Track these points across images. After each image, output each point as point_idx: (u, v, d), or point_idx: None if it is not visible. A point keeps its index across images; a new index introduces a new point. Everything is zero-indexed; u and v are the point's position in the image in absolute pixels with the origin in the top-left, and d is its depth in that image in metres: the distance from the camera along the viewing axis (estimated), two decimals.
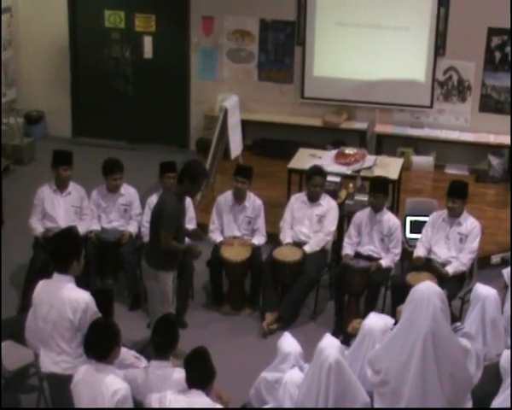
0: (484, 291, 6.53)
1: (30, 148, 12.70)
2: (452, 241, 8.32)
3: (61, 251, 5.96)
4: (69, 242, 6.02)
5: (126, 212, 8.89)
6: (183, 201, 7.36)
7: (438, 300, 5.25)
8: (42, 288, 6.03)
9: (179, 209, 7.26)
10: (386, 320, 6.04)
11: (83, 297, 5.86)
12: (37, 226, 8.60)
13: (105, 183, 8.86)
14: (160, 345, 5.85)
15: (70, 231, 6.55)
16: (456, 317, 5.79)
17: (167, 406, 5.47)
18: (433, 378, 5.22)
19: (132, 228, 8.84)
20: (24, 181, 11.47)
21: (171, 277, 7.36)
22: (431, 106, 12.39)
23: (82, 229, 8.61)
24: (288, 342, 6.38)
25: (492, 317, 6.41)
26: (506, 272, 7.03)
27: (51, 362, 5.92)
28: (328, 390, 5.45)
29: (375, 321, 6.01)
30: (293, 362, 6.18)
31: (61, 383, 5.77)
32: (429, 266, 8.22)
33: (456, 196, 8.27)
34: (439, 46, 12.14)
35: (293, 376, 5.86)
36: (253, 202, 8.81)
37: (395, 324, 5.67)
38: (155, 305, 7.36)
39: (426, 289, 5.32)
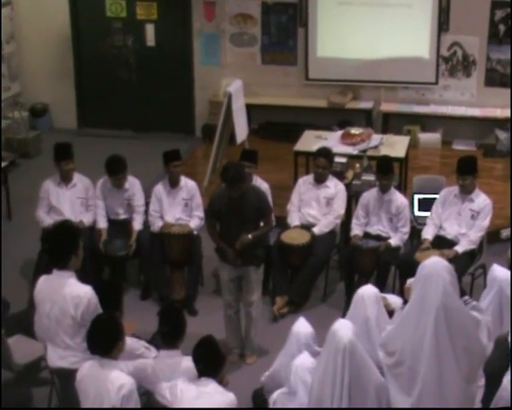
0: (501, 275, 6.46)
1: (36, 141, 12.67)
2: (464, 217, 8.25)
3: (58, 247, 5.92)
4: (65, 237, 5.96)
5: (130, 206, 8.80)
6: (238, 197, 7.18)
7: (446, 273, 5.21)
8: (43, 285, 6.01)
9: (222, 198, 7.24)
10: (395, 300, 6.02)
11: (85, 292, 5.85)
12: (45, 218, 8.57)
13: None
14: (167, 334, 5.83)
15: (65, 226, 6.37)
16: (464, 291, 5.75)
17: (178, 394, 5.47)
18: (447, 353, 5.18)
19: (137, 224, 8.69)
20: (31, 174, 11.44)
21: (226, 268, 7.42)
22: (436, 82, 12.32)
23: (88, 219, 8.65)
24: (299, 324, 6.33)
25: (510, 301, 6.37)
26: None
27: (58, 357, 5.93)
28: (344, 372, 5.39)
29: (367, 288, 6.02)
30: (303, 341, 6.13)
31: (70, 378, 5.76)
32: (439, 245, 8.17)
33: (466, 172, 8.20)
34: (443, 22, 12.06)
35: (304, 361, 5.82)
36: (260, 185, 8.70)
37: (404, 303, 5.64)
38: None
39: (433, 264, 5.28)
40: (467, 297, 5.68)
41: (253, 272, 7.41)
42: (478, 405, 5.85)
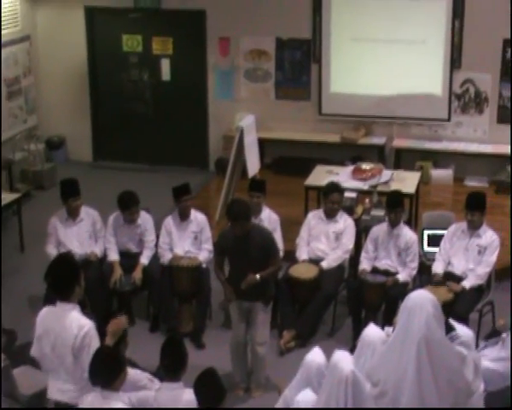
0: None
1: (51, 173, 12.80)
2: (471, 253, 8.26)
3: (61, 279, 5.94)
4: (66, 268, 5.98)
5: (141, 241, 8.87)
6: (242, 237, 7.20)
7: (430, 306, 5.23)
8: (46, 316, 6.05)
9: (228, 237, 7.30)
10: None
11: (83, 324, 5.85)
12: (54, 252, 8.52)
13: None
14: (169, 367, 5.85)
15: (65, 258, 6.42)
16: (453, 327, 5.72)
17: None
18: (429, 386, 5.17)
19: (144, 258, 8.74)
20: (45, 206, 11.49)
21: (234, 306, 7.47)
22: (449, 119, 12.38)
23: (100, 250, 8.75)
24: (313, 353, 6.28)
25: None
26: None
27: (57, 390, 5.94)
28: (347, 402, 5.35)
29: (374, 331, 5.99)
30: (314, 371, 6.09)
31: None
32: (447, 281, 8.17)
33: (475, 208, 8.23)
34: (455, 59, 12.14)
35: (306, 396, 5.81)
36: (269, 216, 8.77)
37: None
38: None
39: (418, 297, 5.31)
40: (455, 333, 5.66)
41: (261, 310, 7.41)
42: None
